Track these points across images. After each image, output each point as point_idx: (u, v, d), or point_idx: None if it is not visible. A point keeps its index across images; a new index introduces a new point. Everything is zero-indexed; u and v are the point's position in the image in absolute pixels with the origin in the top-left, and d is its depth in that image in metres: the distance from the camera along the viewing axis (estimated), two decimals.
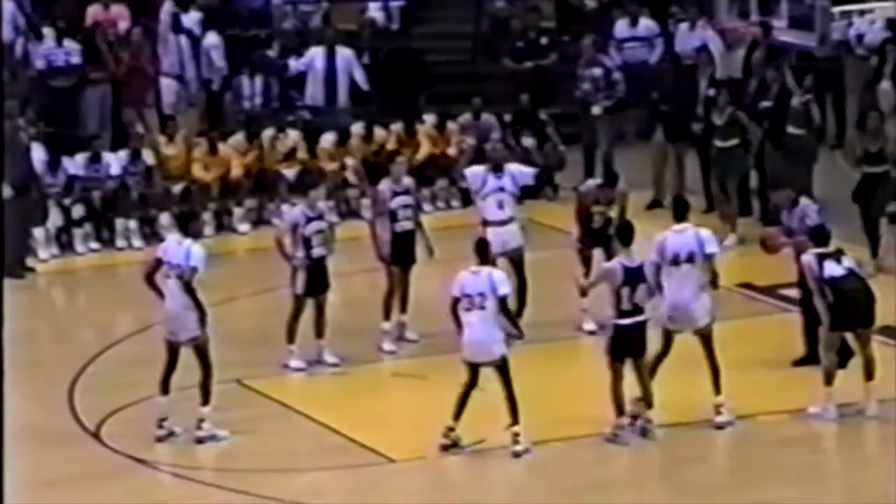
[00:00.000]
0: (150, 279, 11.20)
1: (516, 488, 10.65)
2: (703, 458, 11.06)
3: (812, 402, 11.24)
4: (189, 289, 11.00)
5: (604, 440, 10.87)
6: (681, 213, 11.45)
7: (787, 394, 11.50)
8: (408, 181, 12.79)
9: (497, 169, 12.82)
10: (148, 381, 12.04)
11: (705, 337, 11.11)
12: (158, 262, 11.24)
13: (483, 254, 10.93)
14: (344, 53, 17.32)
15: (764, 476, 10.56)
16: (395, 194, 12.58)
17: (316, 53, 17.33)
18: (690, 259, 11.08)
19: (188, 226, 11.68)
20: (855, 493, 10.40)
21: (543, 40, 17.98)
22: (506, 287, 10.78)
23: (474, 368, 10.70)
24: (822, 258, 11.16)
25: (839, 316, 11.07)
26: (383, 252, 12.64)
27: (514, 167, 13.00)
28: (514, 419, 10.62)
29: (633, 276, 10.82)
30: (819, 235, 11.45)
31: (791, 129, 15.22)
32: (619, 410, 10.85)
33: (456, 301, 10.71)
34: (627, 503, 10.55)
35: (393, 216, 12.56)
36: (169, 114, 16.86)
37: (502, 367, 10.62)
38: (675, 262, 11.05)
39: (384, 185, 12.72)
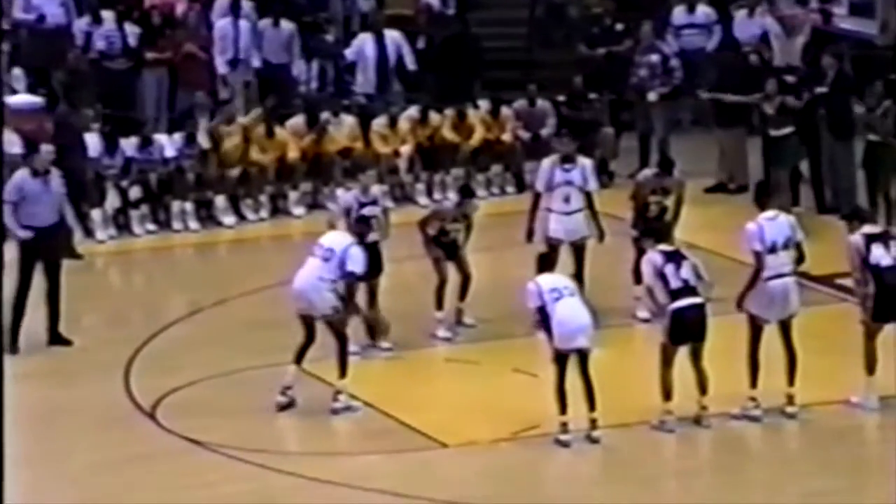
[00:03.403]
0: None
1: (565, 475, 10.66)
2: (750, 448, 11.03)
3: (854, 391, 11.17)
4: (342, 292, 11.12)
5: (650, 427, 10.87)
6: (764, 198, 11.37)
7: (838, 384, 11.42)
8: (376, 190, 12.59)
9: (566, 160, 12.77)
10: (202, 363, 12.16)
11: (788, 326, 11.07)
12: None
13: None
14: (393, 37, 17.29)
15: (814, 467, 10.52)
16: (362, 205, 12.37)
17: (365, 40, 17.32)
18: (787, 246, 11.06)
19: (362, 228, 11.85)
20: None
21: (619, 26, 17.84)
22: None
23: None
24: (869, 240, 11.05)
25: (882, 306, 10.98)
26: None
27: (587, 162, 12.91)
28: (593, 405, 10.67)
29: (673, 255, 10.88)
30: (862, 213, 11.32)
31: (871, 137, 14.96)
32: (667, 396, 10.83)
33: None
34: (675, 493, 10.53)
35: (365, 223, 12.22)
36: (224, 98, 16.94)
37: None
38: (773, 249, 11.02)
39: (350, 195, 12.47)
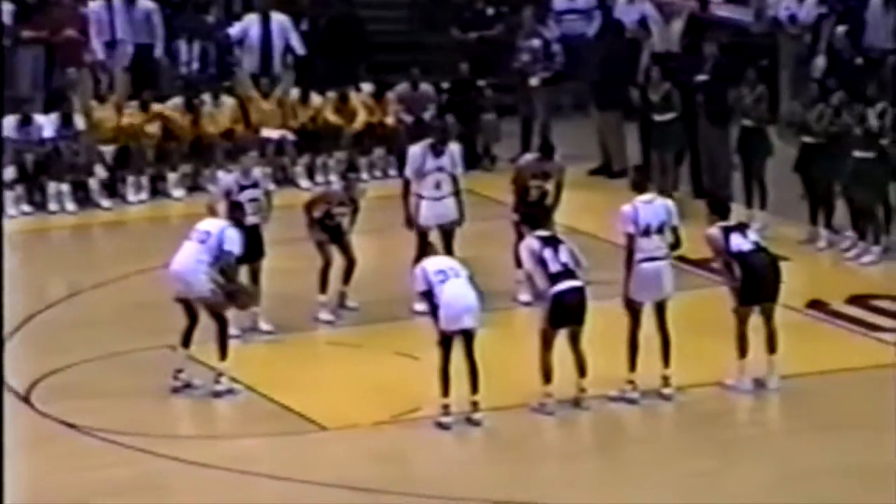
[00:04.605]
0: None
1: (446, 458, 10.70)
2: (628, 429, 11.17)
3: (728, 374, 11.36)
4: (222, 272, 11.11)
5: (530, 410, 10.94)
6: (641, 181, 11.51)
7: (713, 366, 11.59)
8: (257, 173, 12.54)
9: (439, 144, 12.79)
10: (79, 346, 12.01)
11: (663, 308, 11.20)
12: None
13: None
14: (279, 20, 17.20)
15: (690, 448, 10.69)
16: (243, 188, 12.33)
17: (251, 21, 17.21)
18: (661, 230, 11.18)
19: (236, 213, 11.83)
20: (782, 465, 10.53)
21: (490, 11, 17.93)
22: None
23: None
24: (727, 231, 11.27)
25: (749, 290, 11.19)
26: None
27: (455, 147, 12.97)
28: (475, 388, 10.70)
29: (551, 240, 10.97)
30: (719, 204, 11.56)
31: (746, 123, 15.20)
32: (547, 378, 10.92)
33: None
34: (557, 474, 10.63)
35: (241, 209, 12.14)
36: (97, 78, 16.72)
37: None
38: (647, 232, 11.14)
39: (230, 178, 12.42)
